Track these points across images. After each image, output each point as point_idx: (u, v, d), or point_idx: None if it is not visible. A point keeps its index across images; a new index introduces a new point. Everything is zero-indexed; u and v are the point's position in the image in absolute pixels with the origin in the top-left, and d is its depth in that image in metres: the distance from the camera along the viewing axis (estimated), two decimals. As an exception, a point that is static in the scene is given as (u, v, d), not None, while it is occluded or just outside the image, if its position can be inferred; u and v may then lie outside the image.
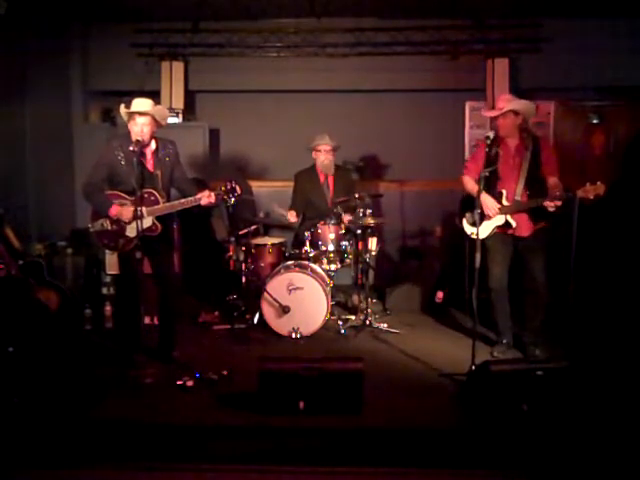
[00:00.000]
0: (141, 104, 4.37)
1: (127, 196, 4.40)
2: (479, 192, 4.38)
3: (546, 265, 4.64)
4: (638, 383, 3.99)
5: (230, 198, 4.56)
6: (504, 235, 4.65)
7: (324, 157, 5.95)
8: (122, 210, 4.39)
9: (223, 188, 4.53)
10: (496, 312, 4.87)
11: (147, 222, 4.39)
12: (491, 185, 4.59)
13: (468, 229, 4.76)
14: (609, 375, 4.15)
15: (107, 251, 5.37)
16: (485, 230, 4.63)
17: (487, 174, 4.42)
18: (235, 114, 7.29)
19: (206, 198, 4.48)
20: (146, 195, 4.38)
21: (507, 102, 4.60)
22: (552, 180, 4.48)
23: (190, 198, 4.49)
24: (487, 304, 4.84)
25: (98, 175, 4.44)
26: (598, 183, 4.12)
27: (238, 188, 4.57)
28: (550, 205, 4.32)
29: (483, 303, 4.74)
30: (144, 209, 4.34)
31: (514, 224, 4.55)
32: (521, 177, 4.56)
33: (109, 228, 4.46)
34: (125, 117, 4.42)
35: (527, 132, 4.66)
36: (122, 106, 4.41)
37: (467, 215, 4.76)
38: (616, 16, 6.51)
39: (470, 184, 4.74)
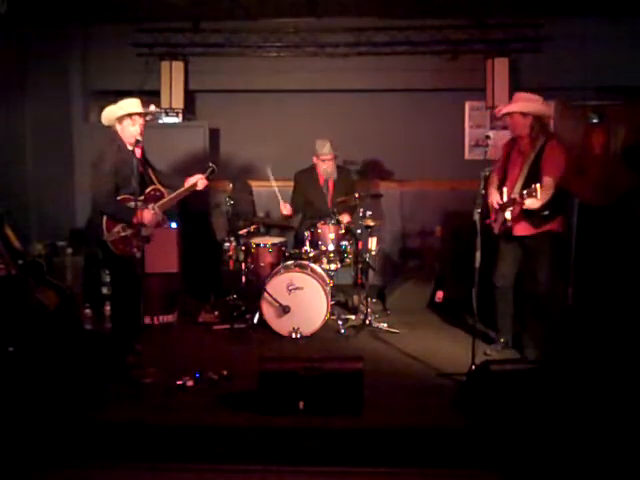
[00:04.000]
0: (137, 104, 4.39)
1: (134, 198, 4.34)
2: (483, 191, 4.46)
3: (550, 270, 4.62)
4: (637, 383, 3.99)
5: (212, 177, 4.87)
6: (511, 235, 4.65)
7: (326, 165, 5.99)
8: (144, 214, 4.36)
9: (207, 172, 4.81)
10: (497, 310, 4.88)
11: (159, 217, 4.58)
12: (503, 182, 4.67)
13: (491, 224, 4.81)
14: (608, 375, 4.14)
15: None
16: (496, 226, 4.71)
17: (487, 173, 4.46)
18: (235, 114, 7.29)
19: (201, 181, 4.73)
20: (152, 192, 4.49)
21: (514, 102, 4.63)
22: (544, 180, 4.39)
23: (188, 185, 4.69)
24: (489, 302, 4.85)
25: (109, 184, 4.33)
26: (537, 185, 4.07)
27: (215, 167, 4.88)
28: (518, 202, 4.26)
29: (484, 302, 4.74)
30: (155, 205, 4.46)
31: (510, 223, 4.56)
32: (521, 176, 4.57)
33: (126, 234, 4.38)
34: (115, 117, 4.37)
35: (541, 132, 4.60)
36: (116, 108, 4.37)
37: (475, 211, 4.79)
38: (616, 16, 6.50)
39: (487, 180, 4.79)
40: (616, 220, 5.94)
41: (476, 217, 4.35)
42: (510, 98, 6.33)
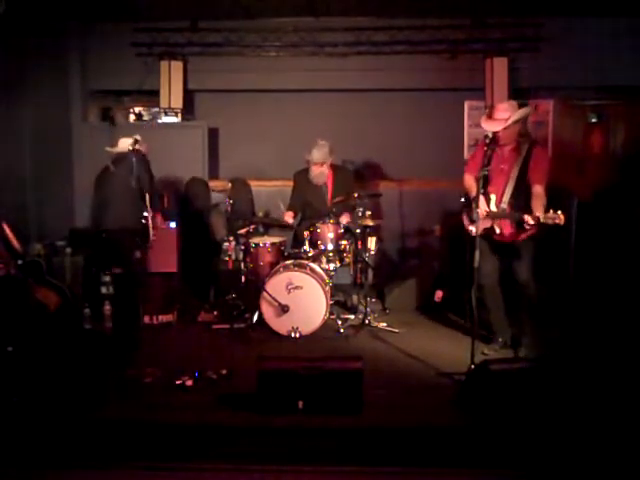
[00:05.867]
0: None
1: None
2: (477, 192, 4.39)
3: (532, 266, 4.62)
4: (636, 382, 4.00)
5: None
6: (492, 236, 4.65)
7: (313, 168, 5.92)
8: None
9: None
10: (489, 310, 4.87)
11: None
12: (484, 186, 4.52)
13: (467, 225, 4.76)
14: (607, 374, 4.15)
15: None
16: (478, 228, 4.64)
17: (485, 173, 4.42)
18: (234, 113, 7.30)
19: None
20: None
21: (506, 112, 4.51)
22: (535, 189, 4.39)
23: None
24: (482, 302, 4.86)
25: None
26: (559, 212, 4.04)
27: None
28: (527, 222, 4.20)
29: (482, 302, 4.75)
30: None
31: (498, 230, 4.54)
32: (509, 184, 4.53)
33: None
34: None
35: (525, 136, 4.60)
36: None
37: (465, 213, 4.77)
38: (616, 16, 6.51)
39: (468, 182, 4.76)
40: (615, 219, 5.96)
41: (475, 217, 4.34)
42: (509, 97, 6.36)
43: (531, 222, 4.17)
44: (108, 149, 5.46)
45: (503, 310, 4.86)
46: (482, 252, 4.67)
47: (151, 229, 5.28)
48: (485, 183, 4.50)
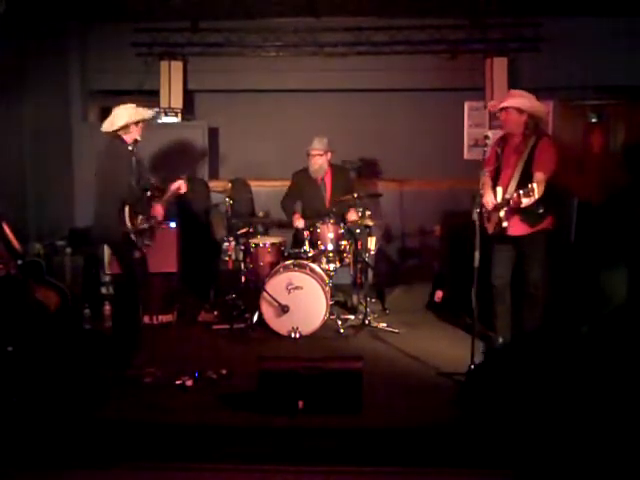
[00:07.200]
0: (148, 112, 4.73)
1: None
2: (486, 189, 4.48)
3: (544, 268, 4.64)
4: (637, 383, 3.99)
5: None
6: (505, 234, 4.65)
7: (313, 161, 5.93)
8: (157, 208, 4.75)
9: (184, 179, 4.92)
10: (495, 309, 4.88)
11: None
12: (496, 182, 4.64)
13: (484, 224, 4.77)
14: (607, 374, 4.15)
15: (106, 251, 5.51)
16: (490, 226, 4.68)
17: (486, 173, 4.45)
18: (234, 113, 7.30)
19: (184, 185, 4.91)
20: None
21: (511, 98, 4.59)
22: (536, 176, 4.40)
23: (174, 187, 4.87)
24: (487, 301, 4.85)
25: (130, 176, 4.54)
26: (534, 185, 4.06)
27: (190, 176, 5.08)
28: (514, 201, 4.25)
29: (483, 301, 4.75)
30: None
31: (505, 223, 4.55)
32: (515, 176, 4.56)
33: (146, 225, 4.67)
34: (132, 121, 4.54)
35: (534, 131, 4.61)
36: (131, 113, 4.56)
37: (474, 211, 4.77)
38: (616, 16, 6.51)
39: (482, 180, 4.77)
40: (614, 219, 5.94)
41: (475, 217, 4.35)
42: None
43: (518, 200, 4.19)
44: (105, 129, 4.64)
45: (509, 311, 4.86)
46: (496, 253, 4.70)
47: (144, 237, 4.70)
48: (496, 178, 4.61)
